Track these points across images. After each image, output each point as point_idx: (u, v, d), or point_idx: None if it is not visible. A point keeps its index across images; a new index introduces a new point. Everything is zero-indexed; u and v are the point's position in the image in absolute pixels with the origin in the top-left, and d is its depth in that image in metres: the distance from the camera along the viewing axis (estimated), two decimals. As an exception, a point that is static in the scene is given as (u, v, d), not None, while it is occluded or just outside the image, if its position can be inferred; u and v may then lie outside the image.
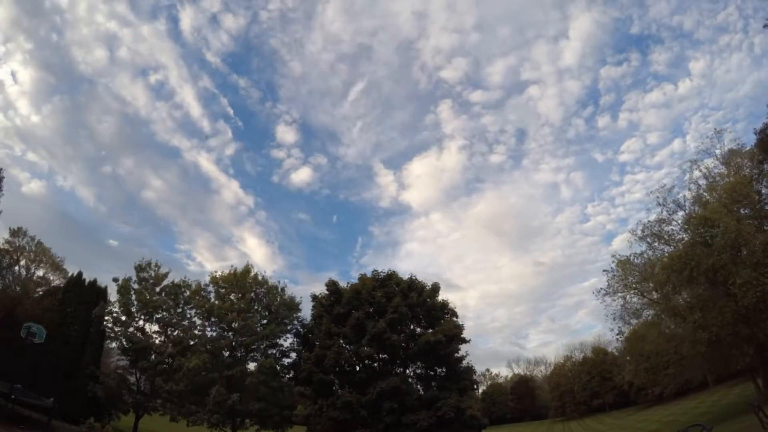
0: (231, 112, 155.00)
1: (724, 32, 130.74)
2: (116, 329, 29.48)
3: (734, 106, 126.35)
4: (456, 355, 33.72)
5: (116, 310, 29.46)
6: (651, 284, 26.19)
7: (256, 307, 33.13)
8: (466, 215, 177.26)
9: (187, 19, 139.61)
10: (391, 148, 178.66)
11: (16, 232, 37.60)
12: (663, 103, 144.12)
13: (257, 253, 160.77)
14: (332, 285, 35.70)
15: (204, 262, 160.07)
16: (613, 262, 28.58)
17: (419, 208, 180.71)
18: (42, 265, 38.96)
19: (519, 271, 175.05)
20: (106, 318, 29.05)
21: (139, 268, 30.54)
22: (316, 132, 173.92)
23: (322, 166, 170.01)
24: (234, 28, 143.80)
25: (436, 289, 35.51)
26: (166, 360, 29.09)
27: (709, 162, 27.80)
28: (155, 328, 30.57)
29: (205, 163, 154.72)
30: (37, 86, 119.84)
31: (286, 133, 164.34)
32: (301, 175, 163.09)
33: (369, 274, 36.35)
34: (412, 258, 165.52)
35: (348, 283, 36.08)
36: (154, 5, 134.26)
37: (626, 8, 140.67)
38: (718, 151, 27.71)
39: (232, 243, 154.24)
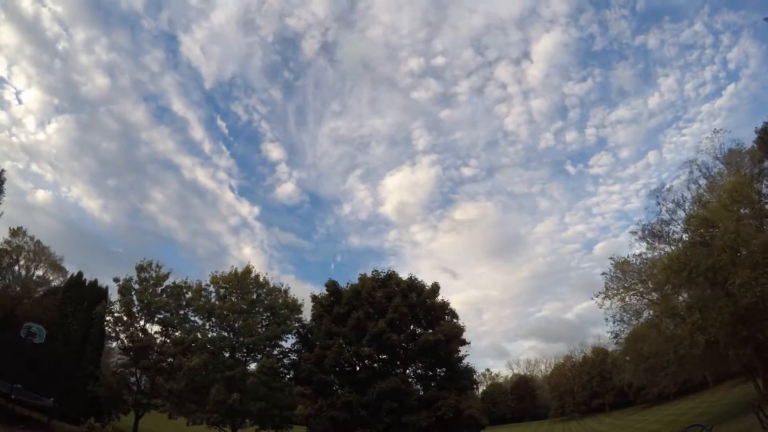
0: (226, 132, 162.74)
1: (691, 49, 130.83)
2: (117, 329, 29.45)
3: (711, 117, 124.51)
4: (456, 355, 33.74)
5: (117, 310, 29.42)
6: (651, 285, 26.16)
7: (257, 308, 33.09)
8: (443, 225, 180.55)
9: (185, 50, 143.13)
10: (368, 166, 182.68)
11: (15, 232, 37.67)
12: (632, 117, 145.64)
13: (253, 262, 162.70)
14: (332, 285, 35.68)
15: (205, 269, 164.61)
16: (611, 263, 28.46)
17: (397, 220, 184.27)
18: (41, 264, 39.05)
19: (501, 279, 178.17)
20: (107, 318, 29.00)
21: (140, 269, 30.44)
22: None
23: (303, 179, 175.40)
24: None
25: (435, 289, 35.51)
26: (167, 359, 29.09)
27: (709, 161, 27.80)
28: (156, 328, 30.57)
29: (203, 178, 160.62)
30: (41, 107, 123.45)
31: (272, 151, 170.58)
32: (287, 189, 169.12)
33: (362, 277, 36.33)
34: (396, 266, 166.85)
35: (348, 283, 36.14)
36: (153, 38, 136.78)
37: (585, 28, 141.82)
38: (716, 151, 27.70)
39: (230, 252, 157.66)
